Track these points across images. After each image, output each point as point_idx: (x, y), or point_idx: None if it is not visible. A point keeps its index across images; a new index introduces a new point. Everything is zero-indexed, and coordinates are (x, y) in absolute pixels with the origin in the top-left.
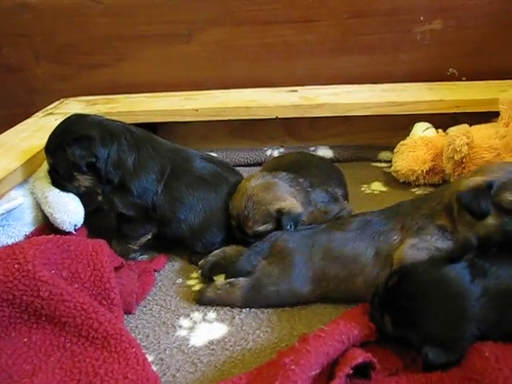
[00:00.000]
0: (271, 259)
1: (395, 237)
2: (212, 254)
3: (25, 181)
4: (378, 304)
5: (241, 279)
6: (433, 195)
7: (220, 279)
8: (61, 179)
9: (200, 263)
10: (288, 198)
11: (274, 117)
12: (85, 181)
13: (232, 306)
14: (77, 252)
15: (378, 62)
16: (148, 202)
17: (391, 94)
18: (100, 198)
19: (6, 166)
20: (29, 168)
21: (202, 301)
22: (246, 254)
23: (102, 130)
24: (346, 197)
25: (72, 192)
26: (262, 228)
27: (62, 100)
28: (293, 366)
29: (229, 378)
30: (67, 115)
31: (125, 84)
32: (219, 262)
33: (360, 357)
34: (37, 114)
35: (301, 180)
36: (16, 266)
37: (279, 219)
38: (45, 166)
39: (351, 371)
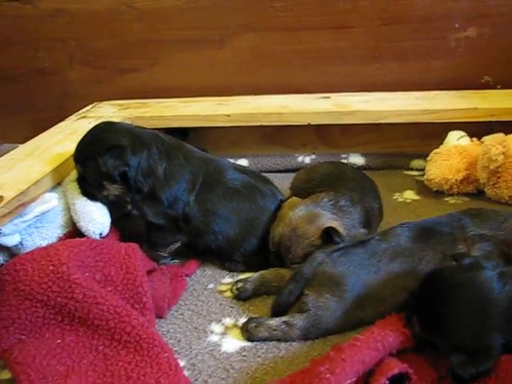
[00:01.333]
0: (320, 289)
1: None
2: (250, 279)
3: (58, 183)
4: (410, 304)
5: (297, 317)
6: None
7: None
8: (90, 188)
9: (237, 289)
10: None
11: (307, 123)
12: (114, 190)
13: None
14: (110, 255)
15: (410, 69)
16: (179, 213)
17: (424, 102)
18: (129, 206)
19: (41, 169)
20: (63, 171)
21: (253, 339)
22: (288, 289)
23: (132, 138)
24: (381, 209)
25: (101, 201)
26: (300, 261)
27: (95, 104)
28: (328, 375)
29: None
30: (100, 119)
31: (157, 88)
32: (258, 289)
33: (396, 368)
34: (70, 117)
35: (341, 203)
36: (51, 267)
37: (326, 241)
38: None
39: (387, 382)
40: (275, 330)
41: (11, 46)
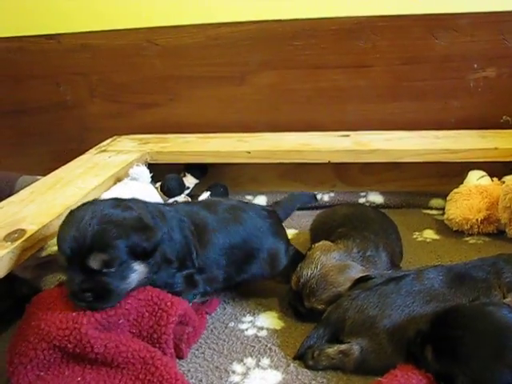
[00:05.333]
0: (355, 335)
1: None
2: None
3: None
4: (420, 338)
5: (354, 348)
6: None
7: None
8: (112, 282)
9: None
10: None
11: (327, 161)
12: (143, 268)
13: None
14: (139, 299)
15: (429, 108)
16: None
17: (444, 141)
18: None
19: (63, 203)
20: None
21: (317, 368)
22: (316, 334)
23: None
24: (401, 251)
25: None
26: (321, 307)
27: (114, 137)
28: None
29: None
30: (120, 153)
31: (176, 124)
32: None
33: None
34: (90, 150)
35: (368, 253)
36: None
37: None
38: None
39: None
40: (333, 359)
41: (34, 79)
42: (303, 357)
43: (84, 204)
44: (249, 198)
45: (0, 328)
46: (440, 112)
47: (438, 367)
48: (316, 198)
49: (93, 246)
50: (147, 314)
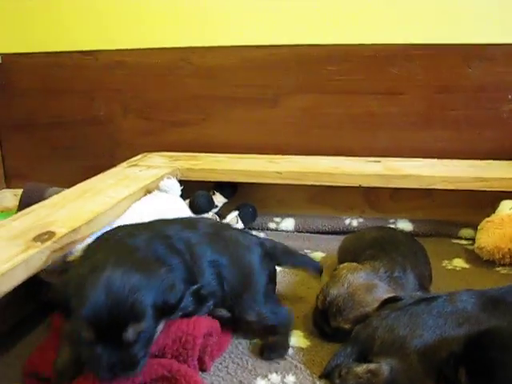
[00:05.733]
0: (385, 356)
1: None
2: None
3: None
4: (453, 360)
5: (384, 368)
6: None
7: None
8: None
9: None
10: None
11: (357, 185)
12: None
13: None
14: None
15: (462, 137)
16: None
17: (476, 170)
18: None
19: (93, 209)
20: (114, 213)
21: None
22: (345, 352)
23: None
24: (431, 276)
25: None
26: (347, 327)
27: (145, 154)
28: None
29: None
30: (150, 168)
31: (207, 143)
32: None
33: None
34: (121, 164)
35: (396, 274)
36: None
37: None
38: None
39: None
40: (361, 378)
41: (69, 93)
42: (330, 375)
43: (107, 257)
44: (276, 219)
45: (22, 332)
46: (473, 142)
47: None
48: (322, 271)
49: (130, 316)
50: (170, 343)
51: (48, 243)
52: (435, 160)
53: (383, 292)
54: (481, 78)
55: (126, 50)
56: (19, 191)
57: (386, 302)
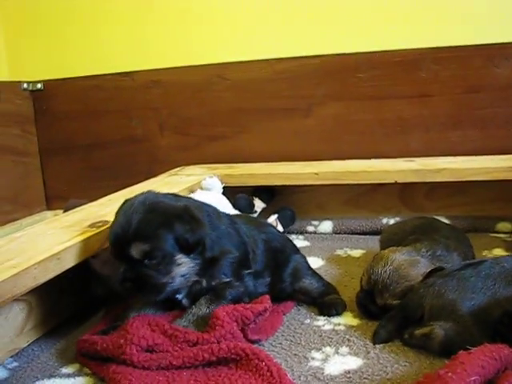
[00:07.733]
0: (436, 321)
1: None
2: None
3: None
4: (507, 318)
5: (437, 331)
6: None
7: None
8: (155, 277)
9: None
10: None
11: (394, 181)
12: (188, 263)
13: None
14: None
15: (491, 136)
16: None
17: (509, 162)
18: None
19: None
20: None
21: (410, 345)
22: (394, 322)
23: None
24: (474, 258)
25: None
26: (394, 302)
27: (183, 167)
28: (450, 374)
29: None
30: (191, 176)
31: (243, 155)
32: None
33: None
34: (162, 175)
35: (438, 252)
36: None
37: None
38: None
39: None
40: (417, 340)
41: (108, 114)
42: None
43: (141, 193)
44: (315, 223)
45: (71, 326)
46: (502, 140)
47: None
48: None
49: (135, 235)
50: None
51: (103, 228)
52: (467, 157)
53: (426, 267)
54: (507, 76)
55: (161, 69)
56: (60, 212)
57: (431, 274)
